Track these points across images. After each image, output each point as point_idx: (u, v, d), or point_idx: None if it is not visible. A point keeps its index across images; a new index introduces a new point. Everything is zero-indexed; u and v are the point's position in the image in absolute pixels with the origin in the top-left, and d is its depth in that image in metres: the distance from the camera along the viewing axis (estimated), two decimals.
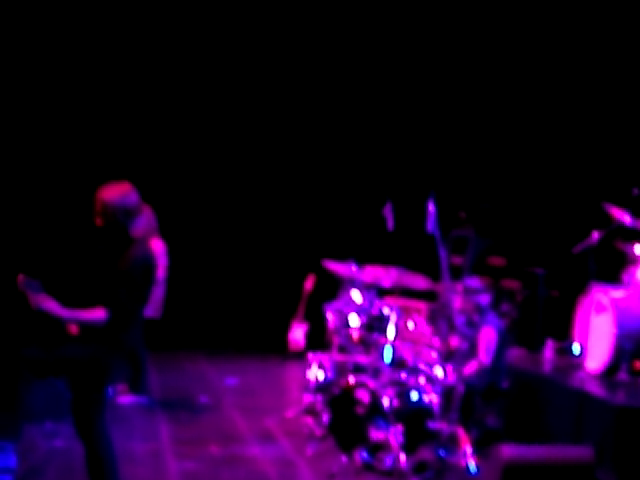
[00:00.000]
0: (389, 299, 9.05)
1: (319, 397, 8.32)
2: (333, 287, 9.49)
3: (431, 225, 7.79)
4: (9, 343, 6.23)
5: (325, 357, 8.46)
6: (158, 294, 9.61)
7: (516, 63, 12.77)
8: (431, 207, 7.78)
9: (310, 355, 8.68)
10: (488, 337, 8.23)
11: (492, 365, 8.23)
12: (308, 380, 8.58)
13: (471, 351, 8.28)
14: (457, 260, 11.38)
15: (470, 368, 8.03)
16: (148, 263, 6.03)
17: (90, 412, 5.98)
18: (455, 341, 8.22)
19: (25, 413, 6.81)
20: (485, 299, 8.49)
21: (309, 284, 12.28)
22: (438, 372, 7.94)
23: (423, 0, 13.15)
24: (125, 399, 9.41)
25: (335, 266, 8.86)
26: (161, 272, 9.37)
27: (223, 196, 13.68)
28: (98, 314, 5.85)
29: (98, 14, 12.78)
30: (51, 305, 5.78)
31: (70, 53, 12.84)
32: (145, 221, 9.21)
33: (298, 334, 12.25)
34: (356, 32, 13.26)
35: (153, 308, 9.57)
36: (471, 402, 8.08)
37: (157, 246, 9.50)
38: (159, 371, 10.96)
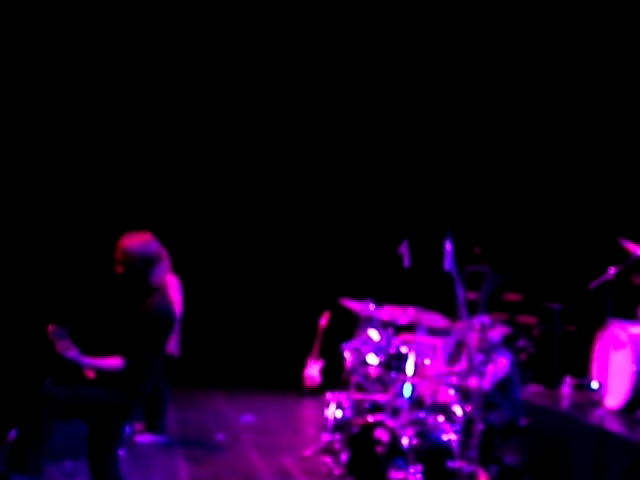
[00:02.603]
0: (406, 336, 9.05)
1: (337, 436, 8.31)
2: (348, 324, 9.50)
3: (448, 263, 7.80)
4: (31, 383, 6.27)
5: (343, 396, 8.44)
6: (175, 331, 9.62)
7: (533, 101, 12.79)
8: (448, 246, 7.79)
9: (328, 394, 8.66)
10: (498, 366, 8.24)
11: (504, 397, 8.23)
12: (326, 419, 8.56)
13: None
14: (472, 296, 11.38)
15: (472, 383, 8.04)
16: (167, 312, 6.13)
17: (104, 453, 6.06)
18: (473, 379, 8.21)
19: (47, 453, 6.85)
20: (498, 335, 8.49)
21: (324, 321, 12.30)
22: (457, 411, 7.93)
23: (451, 33, 13.17)
24: (143, 438, 9.41)
25: (352, 304, 8.87)
26: (177, 309, 9.39)
27: (241, 234, 13.73)
28: (115, 362, 5.99)
29: (110, 40, 12.86)
30: (73, 353, 5.93)
31: (87, 102, 12.94)
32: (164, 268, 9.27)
33: (313, 371, 12.25)
34: (381, 66, 13.32)
35: (172, 346, 9.59)
36: (490, 440, 8.07)
37: (172, 284, 9.53)
38: (176, 409, 10.96)
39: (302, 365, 12.43)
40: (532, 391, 9.48)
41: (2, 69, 12.33)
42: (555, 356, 10.13)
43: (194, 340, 11.94)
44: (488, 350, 8.43)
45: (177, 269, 9.90)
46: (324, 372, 12.20)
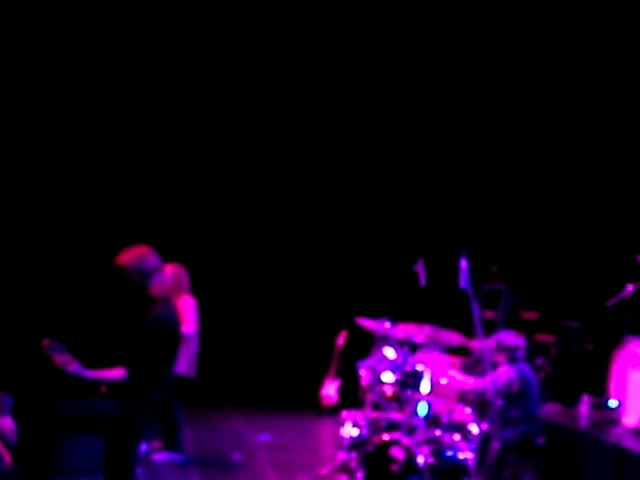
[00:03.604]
0: (422, 354, 9.03)
1: (353, 454, 8.27)
2: (366, 343, 9.48)
3: (464, 281, 7.80)
4: (42, 399, 6.30)
5: (359, 414, 8.42)
6: (191, 351, 9.63)
7: (551, 120, 12.79)
8: (464, 264, 7.80)
9: (344, 412, 8.64)
10: (502, 372, 8.23)
11: (521, 413, 8.22)
12: (342, 437, 8.53)
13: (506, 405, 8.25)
14: (489, 314, 11.36)
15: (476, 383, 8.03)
16: (168, 321, 6.21)
17: (120, 470, 6.08)
18: (489, 397, 8.18)
19: (60, 469, 6.87)
20: (519, 353, 8.47)
21: (341, 340, 12.27)
22: (473, 429, 7.90)
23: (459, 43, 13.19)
24: (160, 456, 9.40)
25: (368, 323, 8.86)
26: (190, 328, 9.42)
27: (258, 254, 13.73)
28: (118, 372, 6.07)
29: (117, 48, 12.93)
30: (74, 368, 6.05)
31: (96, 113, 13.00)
32: (172, 279, 9.30)
33: (330, 390, 12.21)
34: (393, 78, 13.34)
35: (187, 366, 9.60)
36: (506, 458, 8.03)
37: (187, 303, 9.55)
38: (193, 428, 10.95)
39: (319, 384, 12.39)
40: (550, 409, 9.44)
41: (4, 72, 12.39)
42: (573, 374, 10.09)
43: (211, 359, 11.95)
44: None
45: (194, 289, 9.93)
46: (341, 391, 12.16)
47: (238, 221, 13.71)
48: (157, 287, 6.32)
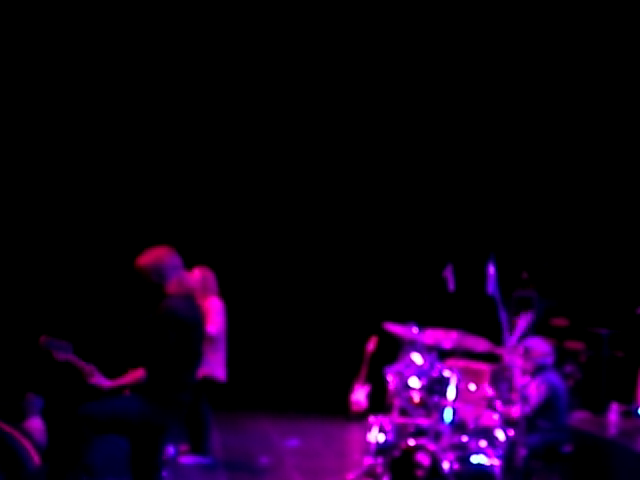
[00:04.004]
0: (451, 361, 9.01)
1: (380, 460, 8.27)
2: (396, 349, 9.47)
3: (491, 287, 7.78)
4: (69, 401, 6.37)
5: (386, 420, 8.41)
6: (219, 353, 9.69)
7: (583, 127, 12.74)
8: (491, 269, 7.78)
9: (371, 417, 8.64)
10: (534, 390, 8.19)
11: (549, 420, 8.17)
12: (369, 443, 8.53)
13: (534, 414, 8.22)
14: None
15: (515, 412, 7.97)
16: (181, 315, 6.22)
17: (147, 470, 6.12)
18: (516, 406, 8.14)
19: (87, 470, 6.94)
20: (547, 360, 8.43)
21: (371, 346, 12.24)
22: (499, 435, 7.87)
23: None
24: (187, 459, 9.44)
25: (395, 328, 8.85)
26: (215, 328, 9.49)
27: (288, 258, 13.76)
28: (138, 375, 6.14)
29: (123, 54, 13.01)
30: (97, 380, 6.20)
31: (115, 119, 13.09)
32: (199, 282, 9.37)
33: (360, 396, 12.17)
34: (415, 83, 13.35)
35: (216, 368, 9.65)
36: (533, 466, 8.00)
37: (213, 304, 9.61)
38: (221, 431, 10.98)
39: (349, 389, 12.38)
40: (578, 417, 9.38)
41: (8, 74, 12.50)
42: (602, 382, 10.03)
43: (242, 363, 12.00)
44: (536, 373, 8.38)
45: (225, 293, 9.98)
46: (371, 397, 12.14)
47: (271, 226, 13.75)
48: (171, 286, 6.36)
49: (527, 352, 8.42)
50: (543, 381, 8.27)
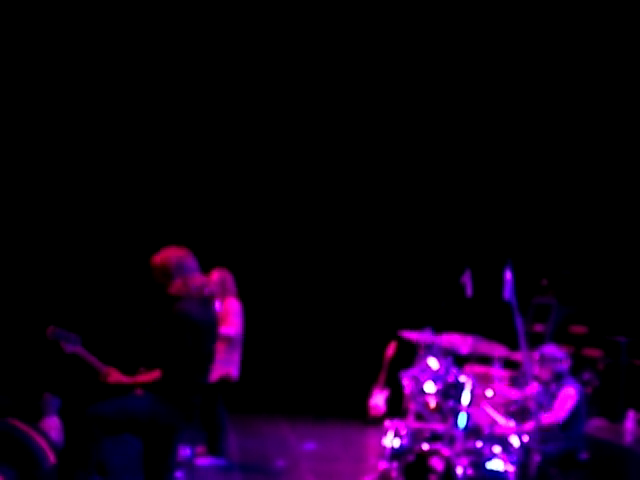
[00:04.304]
0: (468, 367, 9.00)
1: (394, 464, 8.27)
2: (413, 354, 9.47)
3: (508, 293, 7.77)
4: (82, 400, 6.41)
5: (401, 424, 8.42)
6: (236, 354, 9.73)
7: (601, 131, 12.70)
8: (508, 275, 7.77)
9: (387, 422, 8.64)
10: (566, 396, 8.15)
11: (566, 429, 8.13)
12: (384, 447, 8.54)
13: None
14: (539, 328, 11.29)
15: (529, 426, 7.94)
16: (194, 318, 6.24)
17: (159, 468, 6.15)
18: (544, 415, 8.12)
19: (101, 470, 6.98)
20: (564, 367, 8.40)
21: (391, 351, 12.26)
22: (514, 441, 7.86)
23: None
24: (203, 461, 9.48)
25: (411, 333, 8.86)
26: (233, 330, 9.55)
27: (306, 262, 13.78)
28: (154, 375, 6.17)
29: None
30: (115, 377, 6.30)
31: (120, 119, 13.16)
32: (218, 284, 9.41)
33: (379, 400, 12.20)
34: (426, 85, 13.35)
35: (235, 371, 9.69)
36: (547, 472, 7.98)
37: (232, 306, 9.67)
38: (239, 434, 11.02)
39: (368, 394, 12.39)
40: (595, 425, 9.34)
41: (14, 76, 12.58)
42: (620, 390, 9.99)
43: (261, 366, 12.06)
44: (554, 381, 8.36)
45: (242, 295, 10.02)
46: (389, 401, 12.15)
47: (291, 229, 13.78)
48: (177, 286, 6.37)
49: (543, 359, 8.41)
50: (574, 387, 8.24)
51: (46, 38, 12.62)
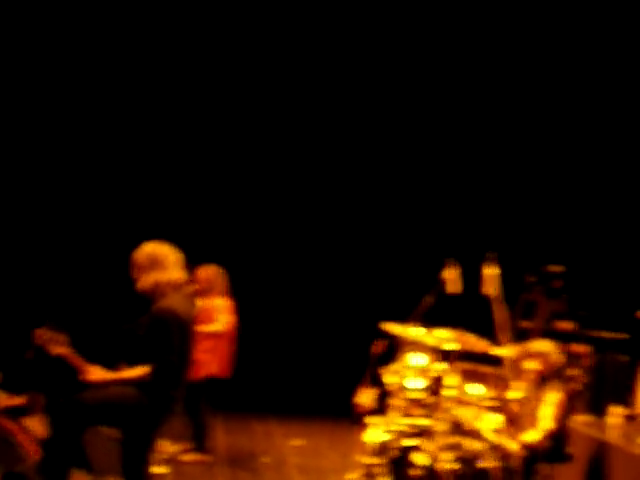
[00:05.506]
0: (454, 363, 8.98)
1: (378, 460, 8.26)
2: (397, 349, 9.47)
3: (487, 287, 7.78)
4: (63, 396, 6.40)
5: (384, 420, 8.41)
6: (223, 352, 9.74)
7: (593, 124, 12.71)
8: (487, 269, 7.78)
9: (370, 418, 8.65)
10: (555, 402, 8.10)
11: (557, 430, 8.10)
12: (367, 443, 8.53)
13: (532, 417, 8.17)
14: (526, 324, 11.29)
15: (531, 436, 7.90)
16: (180, 315, 6.20)
17: (135, 460, 6.15)
18: (518, 405, 8.11)
19: (86, 465, 6.98)
20: (555, 361, 8.38)
21: (378, 348, 12.25)
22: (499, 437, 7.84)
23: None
24: (188, 457, 9.48)
25: (394, 328, 8.85)
26: (218, 328, 9.58)
27: (295, 260, 13.79)
28: (142, 371, 6.15)
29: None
30: (97, 376, 6.27)
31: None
32: (204, 281, 9.43)
33: (365, 398, 12.19)
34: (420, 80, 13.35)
35: (219, 366, 9.70)
36: (533, 468, 7.96)
37: (219, 304, 9.69)
38: (226, 431, 11.04)
39: (355, 392, 12.39)
40: (580, 420, 9.34)
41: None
42: (607, 386, 9.99)
43: (249, 364, 12.02)
44: (540, 377, 8.34)
45: (233, 294, 10.04)
46: (377, 399, 12.14)
47: (281, 227, 13.79)
48: (146, 284, 6.34)
49: (532, 354, 8.34)
50: (563, 391, 8.21)
51: (46, 38, 12.66)
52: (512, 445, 7.63)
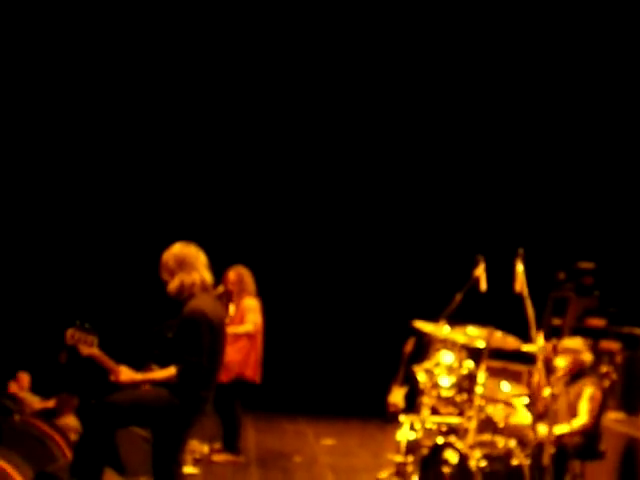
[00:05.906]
0: (485, 360, 8.95)
1: (409, 458, 8.26)
2: (428, 347, 9.44)
3: (519, 285, 7.75)
4: (94, 400, 6.42)
5: (415, 418, 8.41)
6: (254, 352, 9.77)
7: (618, 123, 12.64)
8: (519, 267, 7.75)
9: (401, 416, 8.65)
10: (593, 399, 8.06)
11: (591, 426, 8.06)
12: (399, 441, 8.53)
13: (566, 412, 8.14)
14: (557, 321, 11.25)
15: (563, 429, 7.88)
16: (210, 316, 6.22)
17: (166, 460, 6.18)
18: (548, 402, 8.07)
19: (117, 466, 7.02)
20: (585, 359, 8.34)
21: (409, 347, 12.22)
22: (529, 433, 7.81)
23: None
24: (220, 457, 9.51)
25: (425, 326, 8.84)
26: (249, 328, 9.61)
27: (326, 261, 13.79)
28: (171, 372, 6.14)
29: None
30: (126, 376, 6.22)
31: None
32: (234, 283, 9.47)
33: (397, 397, 12.17)
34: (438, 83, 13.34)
35: (251, 368, 9.72)
36: (564, 465, 7.93)
37: (250, 304, 9.71)
38: (257, 431, 11.07)
39: (387, 391, 12.38)
40: (612, 418, 9.29)
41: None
42: (637, 382, 9.92)
43: (280, 364, 12.06)
44: (572, 374, 8.30)
45: (261, 293, 10.05)
46: (408, 398, 12.13)
47: (311, 228, 13.79)
48: (172, 288, 6.36)
49: (571, 353, 8.29)
50: (598, 388, 8.17)
51: (46, 38, 12.71)
52: (543, 430, 7.57)
